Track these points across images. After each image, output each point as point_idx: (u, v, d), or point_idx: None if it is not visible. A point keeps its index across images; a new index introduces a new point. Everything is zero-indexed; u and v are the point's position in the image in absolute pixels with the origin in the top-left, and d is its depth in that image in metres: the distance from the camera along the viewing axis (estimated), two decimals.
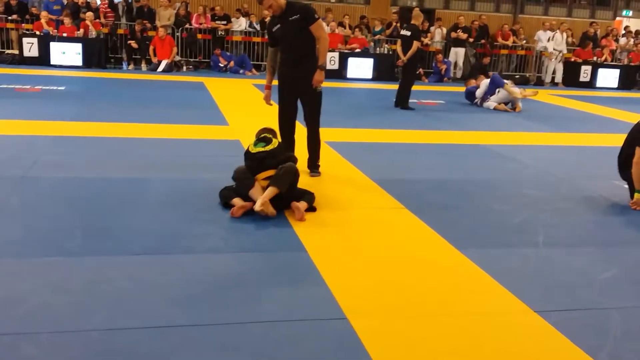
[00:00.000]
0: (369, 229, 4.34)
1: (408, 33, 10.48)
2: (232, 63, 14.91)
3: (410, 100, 10.53)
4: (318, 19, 5.40)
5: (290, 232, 4.12)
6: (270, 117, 8.79)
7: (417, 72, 10.70)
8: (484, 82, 11.38)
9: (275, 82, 5.65)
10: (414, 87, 10.83)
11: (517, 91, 11.08)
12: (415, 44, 10.34)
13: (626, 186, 5.34)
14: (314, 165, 5.68)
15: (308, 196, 4.65)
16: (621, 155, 5.31)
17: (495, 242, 4.22)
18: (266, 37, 15.54)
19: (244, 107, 9.54)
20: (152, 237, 3.90)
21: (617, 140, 5.45)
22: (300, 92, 5.52)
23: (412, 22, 10.62)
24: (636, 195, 5.09)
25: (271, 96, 5.75)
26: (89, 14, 14.14)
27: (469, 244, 4.09)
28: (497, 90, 11.04)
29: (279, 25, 5.41)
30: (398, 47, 10.75)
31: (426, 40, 16.39)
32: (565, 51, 16.83)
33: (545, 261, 3.90)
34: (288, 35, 5.38)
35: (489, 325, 3.02)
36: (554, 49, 16.61)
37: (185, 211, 4.44)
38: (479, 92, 11.37)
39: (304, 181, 5.52)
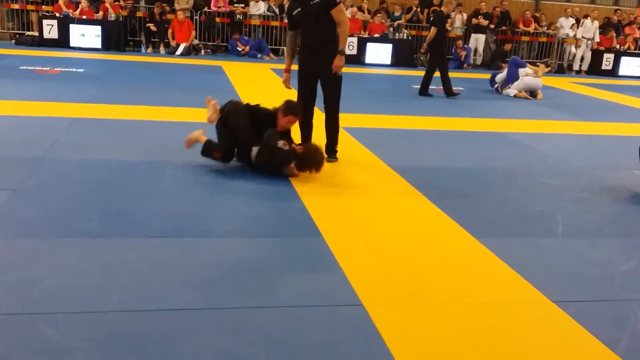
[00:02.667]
0: (386, 215, 4.31)
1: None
2: (247, 48, 14.87)
3: (430, 87, 10.41)
4: (339, 4, 5.36)
5: (307, 217, 4.10)
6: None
7: (442, 59, 10.35)
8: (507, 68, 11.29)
9: (294, 67, 5.62)
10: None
11: (542, 69, 11.02)
12: (433, 30, 10.14)
13: None
14: (331, 151, 5.64)
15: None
16: None
17: (513, 231, 4.17)
18: (284, 21, 15.55)
19: (262, 91, 9.50)
20: (169, 220, 3.90)
21: (639, 130, 5.35)
22: (319, 77, 5.49)
23: (442, 8, 10.44)
24: None
25: (290, 80, 5.71)
26: None
27: (487, 232, 4.04)
28: (519, 77, 10.89)
29: (299, 9, 5.37)
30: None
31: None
32: (597, 39, 16.51)
33: (564, 251, 3.84)
34: (308, 19, 5.34)
35: (505, 314, 2.99)
36: (582, 37, 16.33)
37: (202, 195, 4.44)
38: (499, 77, 11.25)
39: (326, 163, 5.51)
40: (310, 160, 4.91)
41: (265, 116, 5.07)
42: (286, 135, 5.07)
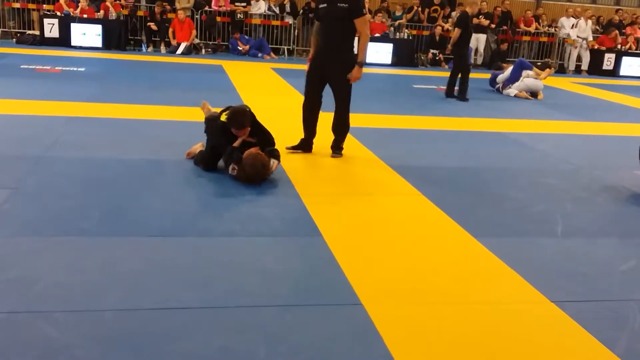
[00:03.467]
0: (386, 215, 4.31)
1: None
2: (247, 47, 14.87)
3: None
4: (365, 15, 5.43)
5: (307, 217, 4.11)
6: (288, 99, 8.75)
7: (465, 60, 10.21)
8: (509, 68, 11.26)
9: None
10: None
11: (547, 72, 10.99)
12: (457, 31, 10.01)
13: None
14: (337, 147, 5.70)
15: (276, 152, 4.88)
16: None
17: (512, 230, 4.18)
18: (285, 20, 15.61)
19: (262, 91, 9.51)
20: (168, 218, 3.90)
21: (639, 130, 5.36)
22: (330, 80, 5.54)
23: (466, 8, 10.36)
24: None
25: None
26: None
27: (486, 232, 4.05)
28: (521, 78, 10.88)
29: (325, 5, 5.42)
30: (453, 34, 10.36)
31: (447, 26, 16.22)
32: (590, 38, 16.55)
33: (563, 251, 3.85)
34: (330, 19, 5.39)
35: (504, 314, 2.99)
36: (577, 37, 16.35)
37: (202, 194, 4.45)
38: (500, 78, 11.23)
39: (328, 162, 5.53)
40: (246, 176, 4.65)
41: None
42: (248, 145, 4.80)
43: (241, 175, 4.64)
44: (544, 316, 3.00)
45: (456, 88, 10.10)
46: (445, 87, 10.33)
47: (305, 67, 5.90)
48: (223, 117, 4.85)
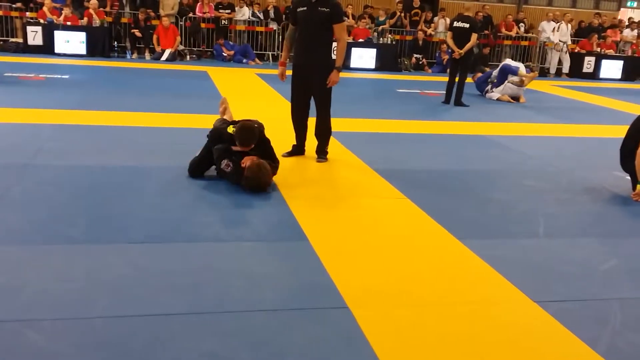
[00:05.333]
0: (371, 218, 4.35)
1: (466, 25, 9.93)
2: (232, 53, 14.90)
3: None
4: (344, 21, 5.55)
5: (293, 221, 4.14)
6: (272, 106, 8.78)
7: (467, 67, 10.21)
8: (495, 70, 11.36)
9: (289, 72, 5.74)
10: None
11: (531, 76, 11.07)
12: (474, 37, 9.93)
13: (628, 177, 5.34)
14: (322, 152, 5.77)
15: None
16: (623, 147, 5.30)
17: (495, 232, 4.23)
18: (270, 26, 15.64)
19: (247, 96, 9.53)
20: (154, 225, 3.92)
21: (620, 131, 5.45)
22: (311, 85, 5.61)
23: (475, 15, 10.33)
24: (638, 186, 5.09)
25: (285, 73, 5.84)
26: (93, 2, 14.12)
27: (470, 234, 4.10)
28: (505, 82, 10.97)
29: (305, 8, 5.46)
30: (449, 40, 10.19)
31: (429, 31, 16.36)
32: (569, 42, 16.75)
33: (545, 252, 3.91)
34: (310, 22, 5.45)
35: (488, 314, 3.04)
36: (559, 40, 16.54)
37: (187, 199, 4.46)
38: (493, 77, 11.26)
39: (313, 166, 5.57)
40: (250, 185, 4.65)
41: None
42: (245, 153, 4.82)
43: (246, 183, 4.63)
44: (526, 316, 3.05)
45: (423, 92, 10.16)
46: (444, 93, 10.26)
47: (277, 71, 5.94)
48: (230, 129, 4.83)
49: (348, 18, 16.07)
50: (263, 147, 4.88)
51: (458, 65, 10.06)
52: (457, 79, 10.03)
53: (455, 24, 10.16)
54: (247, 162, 4.65)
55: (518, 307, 3.14)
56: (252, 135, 4.77)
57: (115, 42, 14.80)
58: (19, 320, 2.70)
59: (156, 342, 2.59)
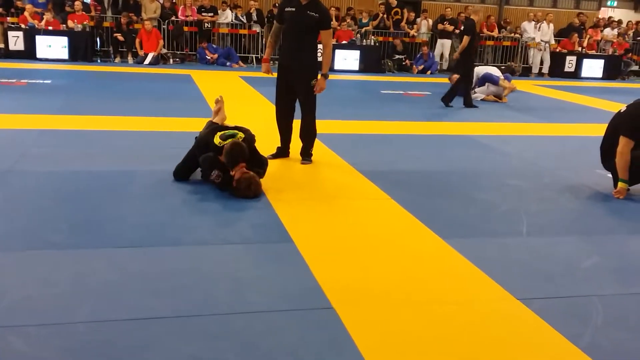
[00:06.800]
0: (356, 220, 4.37)
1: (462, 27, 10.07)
2: (215, 56, 14.88)
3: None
4: (331, 28, 5.61)
5: (278, 223, 4.14)
6: (256, 108, 8.77)
7: (469, 70, 10.21)
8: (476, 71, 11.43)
9: (274, 75, 5.78)
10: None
11: (510, 87, 11.14)
12: (466, 39, 9.94)
13: (609, 175, 5.41)
14: (306, 154, 5.77)
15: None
16: (604, 145, 5.37)
17: (479, 231, 4.26)
18: (253, 29, 15.63)
19: (231, 99, 9.49)
20: (138, 229, 3.91)
21: (601, 130, 5.51)
22: (296, 88, 5.64)
23: (472, 16, 10.39)
24: (619, 184, 5.15)
25: (270, 69, 5.91)
26: (77, 4, 14.04)
27: (454, 233, 4.13)
28: (486, 84, 11.06)
29: (293, 9, 5.46)
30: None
31: (412, 32, 16.44)
32: (552, 41, 16.91)
33: (528, 250, 3.94)
34: (297, 25, 5.47)
35: (472, 312, 3.06)
36: (541, 40, 16.69)
37: (171, 203, 4.45)
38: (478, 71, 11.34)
39: (297, 169, 5.58)
40: (240, 196, 4.62)
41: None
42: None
43: (237, 194, 4.61)
44: (510, 314, 3.07)
45: (406, 93, 10.20)
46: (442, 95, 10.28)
47: (261, 74, 5.98)
48: (217, 140, 4.74)
49: (332, 21, 16.13)
50: (251, 154, 4.83)
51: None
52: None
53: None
54: (237, 174, 4.62)
55: (502, 305, 3.16)
56: (239, 157, 4.65)
57: (98, 46, 14.73)
58: (2, 326, 2.68)
59: (141, 347, 2.59)
